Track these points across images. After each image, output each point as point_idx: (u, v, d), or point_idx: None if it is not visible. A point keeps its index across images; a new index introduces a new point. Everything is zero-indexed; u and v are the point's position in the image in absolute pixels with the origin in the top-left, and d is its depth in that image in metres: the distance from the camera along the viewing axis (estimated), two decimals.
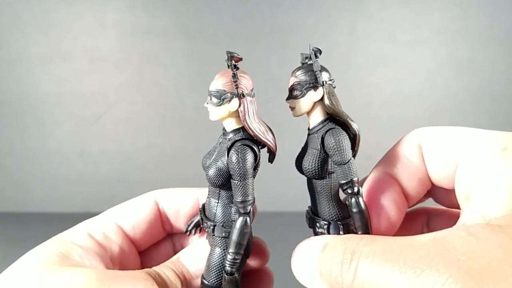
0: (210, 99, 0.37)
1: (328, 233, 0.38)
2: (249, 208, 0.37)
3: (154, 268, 0.38)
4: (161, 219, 0.47)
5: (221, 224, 0.39)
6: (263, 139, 0.38)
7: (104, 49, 1.22)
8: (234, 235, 0.36)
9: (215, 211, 0.40)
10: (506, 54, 1.22)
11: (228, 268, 0.37)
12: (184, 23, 1.20)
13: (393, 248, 0.27)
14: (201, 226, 0.43)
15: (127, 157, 1.28)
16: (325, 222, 0.38)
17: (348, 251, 0.29)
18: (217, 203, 0.40)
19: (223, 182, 0.38)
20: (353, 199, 0.35)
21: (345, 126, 0.37)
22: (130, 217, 0.45)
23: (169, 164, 1.27)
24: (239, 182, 0.36)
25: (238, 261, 0.37)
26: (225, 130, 0.39)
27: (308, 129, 0.39)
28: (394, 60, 1.22)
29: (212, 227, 0.40)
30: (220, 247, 0.39)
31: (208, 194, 0.41)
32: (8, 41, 1.20)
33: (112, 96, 1.25)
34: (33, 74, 1.23)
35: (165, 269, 0.39)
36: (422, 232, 0.42)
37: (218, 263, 0.39)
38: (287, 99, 0.39)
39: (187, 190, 0.48)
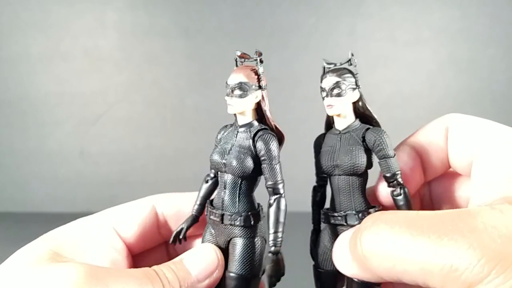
0: (232, 92, 0.39)
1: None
2: (283, 188, 0.39)
3: (154, 267, 0.37)
4: (158, 224, 0.46)
5: (246, 213, 0.40)
6: (279, 129, 0.41)
7: (104, 49, 1.22)
8: (281, 217, 0.38)
9: (237, 202, 0.41)
10: (506, 54, 1.22)
11: (277, 248, 0.38)
12: (184, 23, 1.20)
13: (417, 216, 0.28)
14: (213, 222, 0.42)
15: (127, 157, 1.28)
16: (361, 215, 0.40)
17: (369, 220, 0.30)
18: (239, 194, 0.41)
19: (249, 171, 0.39)
20: (401, 190, 0.39)
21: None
22: (126, 219, 0.44)
23: (169, 164, 1.27)
24: (274, 166, 0.39)
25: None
26: (239, 123, 0.41)
27: (334, 128, 0.42)
28: (394, 60, 1.22)
29: (238, 218, 0.40)
30: (244, 237, 0.40)
31: (224, 188, 0.41)
32: (8, 41, 1.20)
33: (112, 96, 1.25)
34: (33, 74, 1.23)
35: (165, 269, 0.37)
36: (423, 196, 0.45)
37: (249, 252, 0.40)
38: (327, 96, 0.41)
39: (188, 195, 0.47)
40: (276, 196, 0.39)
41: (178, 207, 0.46)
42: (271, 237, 0.38)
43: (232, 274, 0.39)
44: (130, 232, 0.44)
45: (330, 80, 0.41)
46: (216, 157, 0.41)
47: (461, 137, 0.38)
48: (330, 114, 0.42)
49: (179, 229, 0.44)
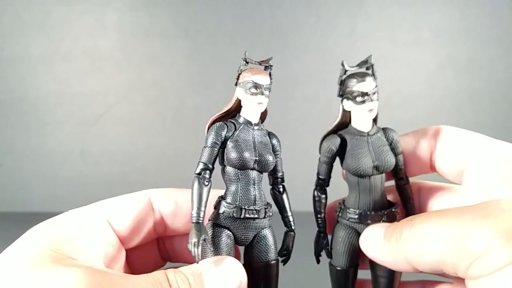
0: (265, 91, 0.42)
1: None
2: None
3: (168, 273, 0.34)
4: (154, 219, 0.45)
5: (267, 205, 0.43)
6: None
7: (105, 49, 1.22)
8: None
9: (263, 195, 0.43)
10: (505, 55, 1.22)
11: (294, 226, 0.46)
12: (184, 24, 1.20)
13: (447, 210, 0.32)
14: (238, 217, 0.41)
15: (128, 157, 1.28)
16: (385, 211, 0.43)
17: (408, 219, 0.35)
18: (260, 188, 0.43)
19: (274, 165, 0.44)
20: (407, 180, 0.45)
21: None
22: (120, 212, 0.42)
23: (170, 164, 1.27)
24: (280, 159, 0.45)
25: None
26: (252, 121, 0.43)
27: (356, 130, 0.43)
28: (394, 60, 1.22)
29: (270, 209, 0.43)
30: (271, 225, 0.43)
31: (253, 184, 0.42)
32: (9, 42, 1.20)
33: (113, 96, 1.25)
34: (34, 74, 1.23)
35: (180, 279, 0.34)
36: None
37: (275, 238, 0.43)
38: (369, 100, 0.42)
39: (185, 191, 0.46)
40: (283, 184, 0.46)
41: (175, 202, 0.45)
42: (291, 218, 0.46)
43: (273, 262, 0.43)
44: (124, 225, 0.42)
45: (371, 84, 0.42)
46: (247, 155, 0.41)
47: (453, 146, 0.41)
48: (370, 118, 0.43)
49: (201, 243, 0.38)
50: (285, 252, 0.46)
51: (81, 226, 0.38)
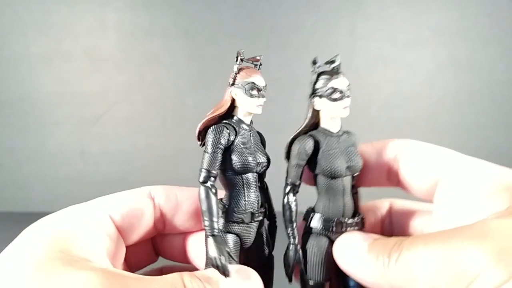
0: (264, 95, 0.41)
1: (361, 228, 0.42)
2: None
3: (185, 277, 0.33)
4: (154, 214, 0.44)
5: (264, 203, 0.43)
6: None
7: (105, 49, 1.22)
8: None
9: (261, 196, 0.42)
10: (505, 54, 1.22)
11: None
12: (184, 24, 1.20)
13: (434, 234, 0.32)
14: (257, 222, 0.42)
15: (128, 157, 1.28)
16: (358, 219, 0.41)
17: (394, 241, 0.33)
18: (258, 188, 0.43)
19: None
20: (358, 193, 0.44)
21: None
22: (122, 208, 0.42)
23: (170, 164, 1.27)
24: None
25: None
26: (247, 122, 0.42)
27: (326, 130, 0.42)
28: (394, 60, 1.22)
29: (267, 208, 0.43)
30: (263, 222, 0.44)
31: (255, 187, 0.41)
32: (9, 41, 1.20)
33: (113, 96, 1.25)
34: (34, 74, 1.23)
35: (196, 285, 0.33)
36: (384, 221, 0.48)
37: (267, 235, 0.44)
38: (345, 97, 0.41)
39: (187, 188, 0.46)
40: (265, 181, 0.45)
41: (175, 199, 0.45)
42: (275, 213, 0.46)
43: (272, 254, 0.43)
44: (126, 221, 0.42)
45: (345, 81, 0.41)
46: (251, 159, 0.40)
47: (422, 163, 0.41)
48: (345, 116, 0.41)
49: (225, 255, 0.36)
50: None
51: (85, 223, 0.37)
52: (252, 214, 0.40)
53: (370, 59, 1.21)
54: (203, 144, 0.42)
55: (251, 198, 0.41)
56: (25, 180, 1.30)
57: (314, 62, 0.41)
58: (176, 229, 0.46)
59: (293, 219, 0.41)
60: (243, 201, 0.40)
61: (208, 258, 0.36)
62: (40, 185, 1.30)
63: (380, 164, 0.43)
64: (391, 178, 0.44)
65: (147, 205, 0.43)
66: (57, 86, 1.23)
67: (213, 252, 0.35)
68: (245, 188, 0.40)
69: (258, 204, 0.41)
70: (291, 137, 0.42)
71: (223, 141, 0.39)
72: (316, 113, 0.42)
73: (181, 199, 0.45)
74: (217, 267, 0.34)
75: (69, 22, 1.20)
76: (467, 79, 1.24)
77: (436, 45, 1.21)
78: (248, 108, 0.41)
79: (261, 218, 0.42)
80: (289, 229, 0.41)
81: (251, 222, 0.40)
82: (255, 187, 0.42)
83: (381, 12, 1.19)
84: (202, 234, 0.40)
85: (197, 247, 0.45)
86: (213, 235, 0.36)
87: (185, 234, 0.47)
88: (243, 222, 0.40)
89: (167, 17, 1.20)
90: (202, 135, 0.42)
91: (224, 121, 0.42)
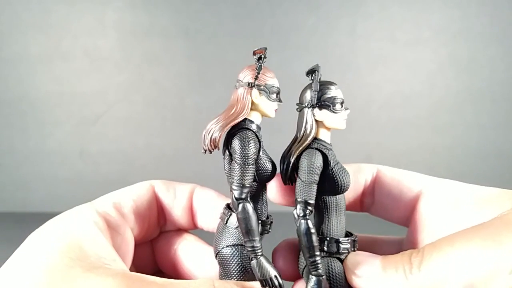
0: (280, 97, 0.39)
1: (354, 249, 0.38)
2: None
3: (216, 283, 0.32)
4: (158, 211, 0.45)
5: None
6: None
7: (104, 49, 1.21)
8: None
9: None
10: (506, 54, 1.22)
11: None
12: (184, 23, 1.20)
13: (459, 233, 0.31)
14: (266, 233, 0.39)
15: (127, 157, 1.28)
16: (350, 238, 0.38)
17: (412, 251, 0.33)
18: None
19: None
20: None
21: None
22: (129, 199, 0.42)
23: (169, 164, 1.27)
24: None
25: None
26: (260, 129, 0.39)
27: (326, 143, 0.39)
28: (394, 60, 1.22)
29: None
30: None
31: (262, 197, 0.39)
32: (8, 41, 1.20)
33: (112, 96, 1.25)
34: (33, 74, 1.23)
35: None
36: (366, 192, 0.46)
37: None
38: (347, 109, 0.39)
39: (185, 184, 0.46)
40: None
41: (174, 193, 0.45)
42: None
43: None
44: (135, 211, 0.42)
45: (340, 93, 0.39)
46: (270, 167, 0.38)
47: (397, 190, 0.41)
48: (343, 128, 0.39)
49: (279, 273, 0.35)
50: None
51: (95, 223, 0.37)
52: (266, 224, 0.38)
53: (371, 59, 1.21)
54: (208, 151, 0.37)
55: (264, 208, 0.39)
56: (24, 180, 1.30)
57: (316, 71, 0.38)
58: (174, 225, 0.47)
59: (317, 245, 0.36)
60: (256, 211, 0.37)
61: (262, 280, 0.34)
62: (40, 185, 1.30)
63: (354, 189, 0.43)
64: (363, 205, 0.44)
65: (151, 195, 0.45)
66: (56, 86, 1.23)
67: (268, 273, 0.34)
68: (260, 198, 0.39)
69: (265, 215, 0.39)
70: (295, 152, 0.38)
71: (257, 152, 0.37)
72: (316, 125, 0.39)
73: (179, 193, 0.45)
74: (277, 286, 0.34)
75: (68, 22, 1.19)
76: (467, 78, 1.24)
77: (437, 44, 1.21)
78: (267, 112, 0.38)
79: (270, 230, 0.39)
80: (317, 257, 0.35)
81: (263, 233, 0.38)
82: (262, 196, 0.39)
83: (381, 12, 1.19)
84: (189, 239, 0.44)
85: (190, 255, 0.45)
86: (261, 256, 0.35)
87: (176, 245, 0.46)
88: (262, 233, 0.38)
89: (167, 17, 1.20)
90: (217, 142, 0.36)
91: (245, 127, 0.37)
